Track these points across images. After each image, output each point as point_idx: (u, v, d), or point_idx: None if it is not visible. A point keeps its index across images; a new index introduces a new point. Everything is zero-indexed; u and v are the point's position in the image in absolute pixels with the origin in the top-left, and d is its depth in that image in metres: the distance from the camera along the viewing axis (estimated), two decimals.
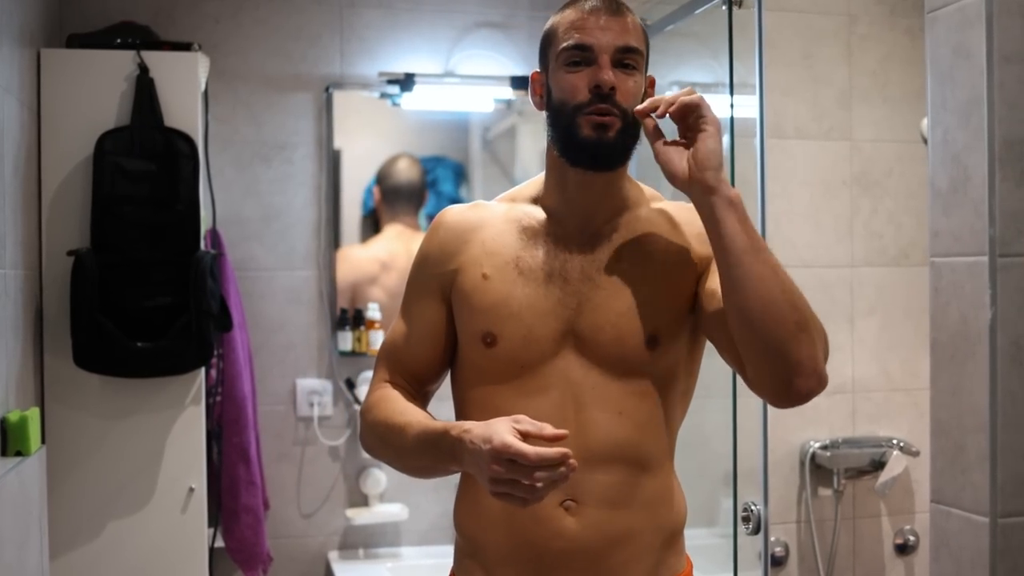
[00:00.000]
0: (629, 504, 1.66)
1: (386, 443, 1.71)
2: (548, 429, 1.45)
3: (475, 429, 1.50)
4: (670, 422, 1.72)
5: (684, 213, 1.72)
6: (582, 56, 1.61)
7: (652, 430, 1.68)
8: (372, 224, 3.58)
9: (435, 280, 1.74)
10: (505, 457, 1.43)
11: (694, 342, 1.73)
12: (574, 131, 1.62)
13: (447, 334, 1.74)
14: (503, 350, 1.66)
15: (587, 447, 1.62)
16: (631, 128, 1.63)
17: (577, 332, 1.66)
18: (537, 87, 1.71)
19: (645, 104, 1.60)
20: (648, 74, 1.69)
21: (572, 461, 1.42)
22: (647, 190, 1.78)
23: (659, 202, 1.76)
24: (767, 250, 1.54)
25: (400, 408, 1.70)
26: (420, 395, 1.78)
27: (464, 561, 1.75)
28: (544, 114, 1.70)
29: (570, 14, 1.65)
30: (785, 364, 1.51)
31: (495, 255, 1.70)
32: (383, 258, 3.54)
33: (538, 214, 1.73)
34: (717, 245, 1.54)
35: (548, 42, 1.68)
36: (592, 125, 1.60)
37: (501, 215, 1.75)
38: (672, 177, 1.58)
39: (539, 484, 1.43)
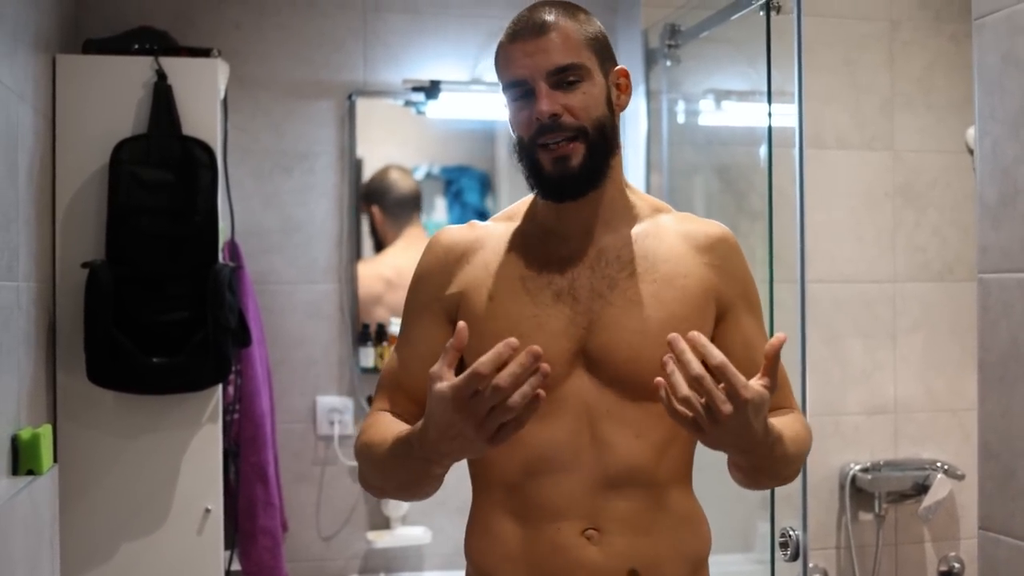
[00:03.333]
0: (652, 530, 1.61)
1: (371, 463, 1.61)
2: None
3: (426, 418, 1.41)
4: (688, 444, 1.66)
5: (702, 238, 1.67)
6: (521, 91, 1.58)
7: (670, 453, 1.64)
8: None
9: (437, 303, 1.68)
10: (466, 393, 1.32)
11: None
12: (538, 166, 1.59)
13: None
14: None
15: (605, 472, 1.59)
16: (598, 145, 1.58)
17: (589, 352, 1.60)
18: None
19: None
20: (619, 66, 1.64)
21: (536, 348, 1.32)
22: (649, 199, 1.73)
23: (665, 213, 1.71)
24: (780, 440, 1.49)
25: (388, 426, 1.60)
26: None
27: None
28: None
29: (502, 45, 1.61)
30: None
31: (499, 276, 1.64)
32: (388, 275, 3.46)
33: (539, 232, 1.68)
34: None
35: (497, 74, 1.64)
36: (552, 160, 1.57)
37: (500, 234, 1.70)
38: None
39: (517, 393, 1.31)
